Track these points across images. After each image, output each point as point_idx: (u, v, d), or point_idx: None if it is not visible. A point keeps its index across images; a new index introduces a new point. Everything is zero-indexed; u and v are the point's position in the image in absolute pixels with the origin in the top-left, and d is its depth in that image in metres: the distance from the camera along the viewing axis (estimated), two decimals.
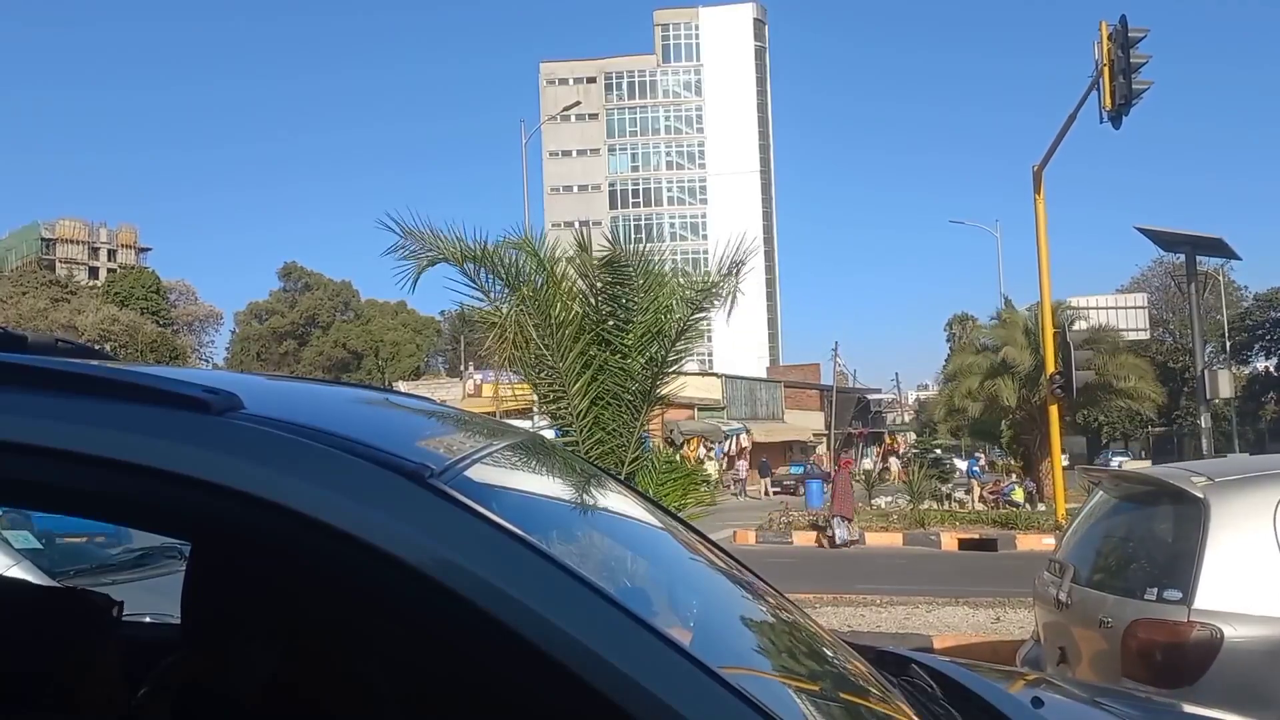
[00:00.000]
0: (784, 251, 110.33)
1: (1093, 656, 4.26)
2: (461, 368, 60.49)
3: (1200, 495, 3.92)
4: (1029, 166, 19.24)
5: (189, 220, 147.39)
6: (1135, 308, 33.23)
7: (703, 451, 38.19)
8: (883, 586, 12.34)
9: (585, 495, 2.02)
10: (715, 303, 7.89)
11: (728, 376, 54.30)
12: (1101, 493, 5.13)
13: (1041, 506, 24.09)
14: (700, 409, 46.49)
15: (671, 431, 36.29)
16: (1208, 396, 24.16)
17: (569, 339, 7.59)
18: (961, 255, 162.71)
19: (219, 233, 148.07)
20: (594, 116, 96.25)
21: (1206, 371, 23.77)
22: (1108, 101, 15.23)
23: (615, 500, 2.11)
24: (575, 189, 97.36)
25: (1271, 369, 67.59)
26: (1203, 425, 25.23)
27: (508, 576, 1.13)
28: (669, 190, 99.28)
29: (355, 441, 1.23)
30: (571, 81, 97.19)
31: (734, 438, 45.00)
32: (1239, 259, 37.47)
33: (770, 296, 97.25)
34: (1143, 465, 27.77)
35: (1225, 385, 24.06)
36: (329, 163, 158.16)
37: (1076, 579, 4.53)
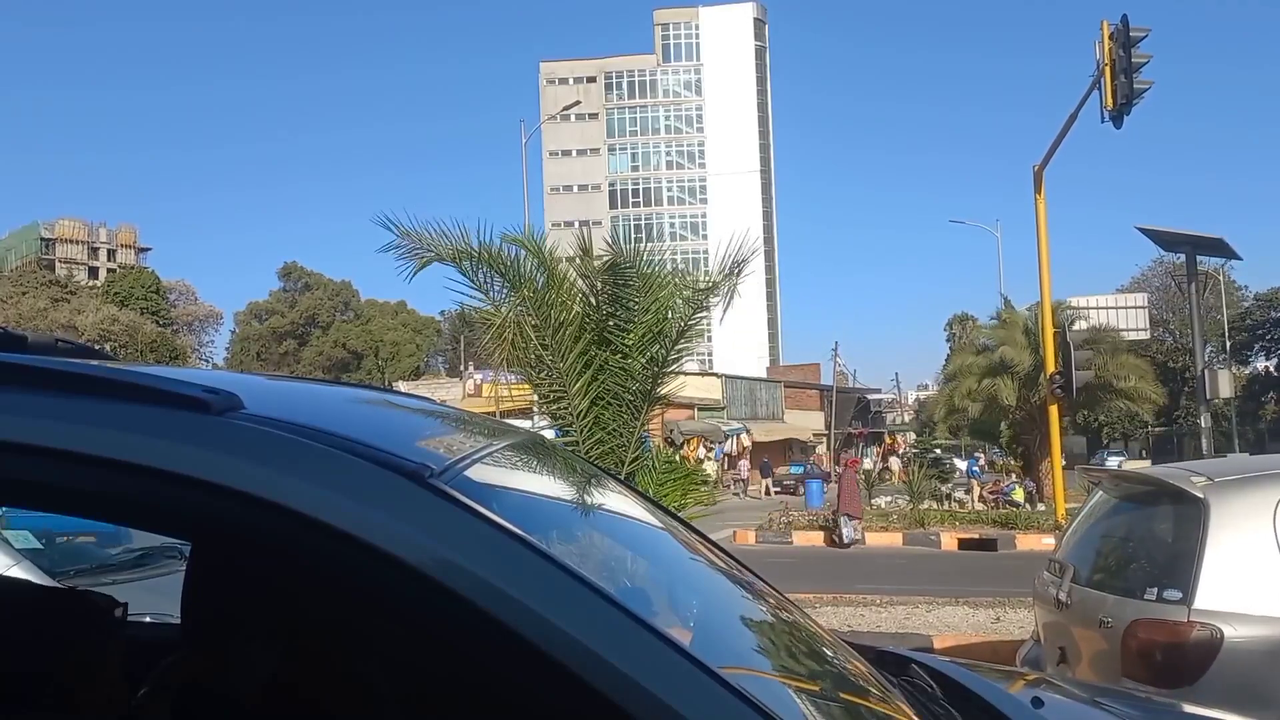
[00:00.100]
0: (784, 251, 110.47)
1: (1093, 656, 4.26)
2: (461, 368, 60.49)
3: (1200, 495, 3.92)
4: (1029, 166, 19.26)
5: (189, 220, 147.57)
6: (1135, 308, 33.23)
7: (703, 451, 38.17)
8: (883, 586, 12.34)
9: (585, 495, 2.02)
10: (717, 301, 7.89)
11: (728, 376, 54.31)
12: (1101, 493, 5.13)
13: (1041, 506, 24.09)
14: (700, 409, 46.51)
15: (671, 431, 36.27)
16: (1208, 396, 24.19)
17: (569, 339, 7.59)
18: (961, 255, 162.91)
19: (219, 233, 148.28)
20: (594, 116, 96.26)
21: (1206, 371, 23.79)
22: (1109, 101, 15.23)
23: (615, 500, 2.11)
24: (575, 189, 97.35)
25: (1271, 369, 67.60)
26: (1203, 425, 25.26)
27: (508, 576, 1.13)
28: (669, 190, 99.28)
29: (355, 441, 1.23)
30: (571, 81, 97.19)
31: (734, 437, 45.00)
32: (1239, 259, 37.47)
33: (770, 296, 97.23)
34: (1142, 465, 27.75)
35: (1225, 385, 24.09)
36: (329, 163, 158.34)
37: (1076, 579, 4.53)
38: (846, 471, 20.45)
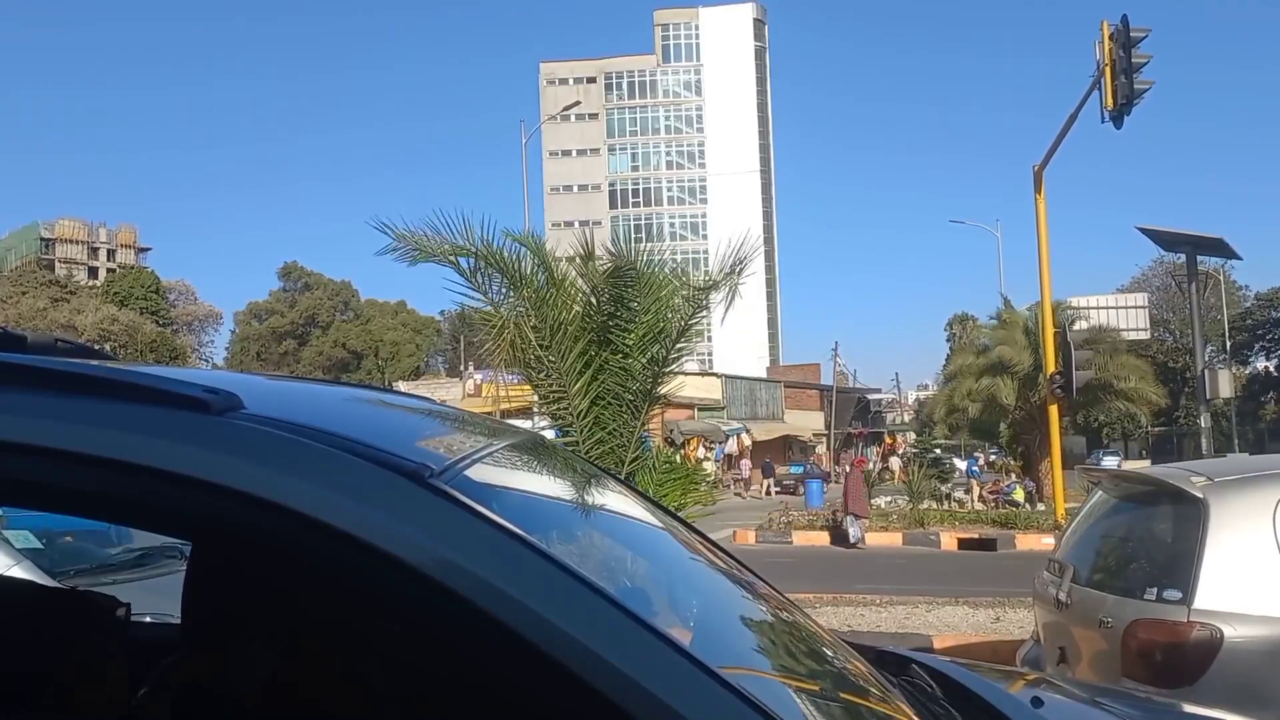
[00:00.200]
0: (784, 251, 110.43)
1: (1093, 656, 4.26)
2: (461, 368, 60.46)
3: (1200, 495, 3.92)
4: (1029, 166, 19.25)
5: (189, 220, 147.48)
6: (1135, 308, 33.28)
7: (702, 451, 38.16)
8: (883, 586, 12.34)
9: (585, 495, 2.02)
10: (718, 300, 7.89)
11: (728, 376, 54.28)
12: (1101, 493, 5.13)
13: (1041, 506, 24.08)
14: (700, 409, 46.50)
15: (671, 431, 36.28)
16: (1208, 396, 24.21)
17: (569, 339, 7.59)
18: (961, 255, 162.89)
19: (219, 233, 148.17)
20: (594, 116, 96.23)
21: (1206, 371, 23.81)
22: (1109, 101, 15.23)
23: (615, 500, 2.11)
24: (575, 189, 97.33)
25: (1271, 369, 67.64)
26: (1203, 425, 25.27)
27: (508, 576, 1.13)
28: (669, 190, 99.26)
29: (355, 441, 1.23)
30: (571, 81, 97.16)
31: (734, 437, 44.99)
32: (1239, 259, 37.52)
33: (770, 296, 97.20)
34: (1142, 465, 27.76)
35: (1225, 385, 24.11)
36: (329, 163, 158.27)
37: (1076, 579, 4.53)
38: (853, 471, 20.46)
